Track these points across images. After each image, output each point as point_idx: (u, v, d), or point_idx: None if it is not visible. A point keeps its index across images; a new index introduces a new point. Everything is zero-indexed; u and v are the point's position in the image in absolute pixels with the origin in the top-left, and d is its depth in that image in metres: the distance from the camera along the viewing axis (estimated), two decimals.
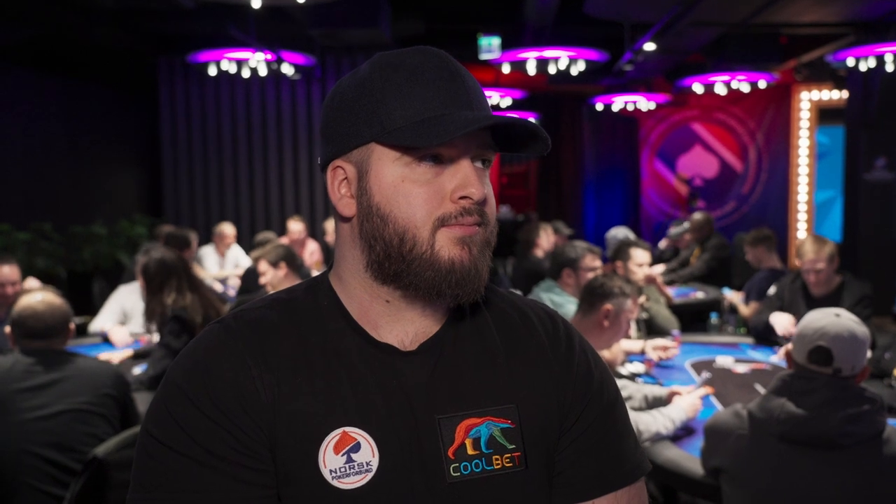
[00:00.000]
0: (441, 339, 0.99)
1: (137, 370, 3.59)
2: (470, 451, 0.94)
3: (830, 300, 3.85)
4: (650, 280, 4.61)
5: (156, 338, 3.58)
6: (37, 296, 2.74)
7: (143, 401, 3.28)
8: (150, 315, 3.52)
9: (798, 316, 3.74)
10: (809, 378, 2.08)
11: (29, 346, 2.66)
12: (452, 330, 1.00)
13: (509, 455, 0.95)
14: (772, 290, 4.36)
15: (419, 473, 0.92)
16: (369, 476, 0.90)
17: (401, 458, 0.92)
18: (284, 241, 6.46)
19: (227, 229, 7.12)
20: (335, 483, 0.90)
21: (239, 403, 0.90)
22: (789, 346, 2.21)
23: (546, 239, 5.95)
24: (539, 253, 5.84)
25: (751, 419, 2.15)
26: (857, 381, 2.10)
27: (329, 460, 0.90)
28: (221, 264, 7.11)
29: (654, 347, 3.67)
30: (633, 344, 3.69)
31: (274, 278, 4.17)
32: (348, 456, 0.90)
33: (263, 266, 4.19)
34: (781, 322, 3.97)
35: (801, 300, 4.05)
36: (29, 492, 2.51)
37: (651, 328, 4.38)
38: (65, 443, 2.55)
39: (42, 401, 2.55)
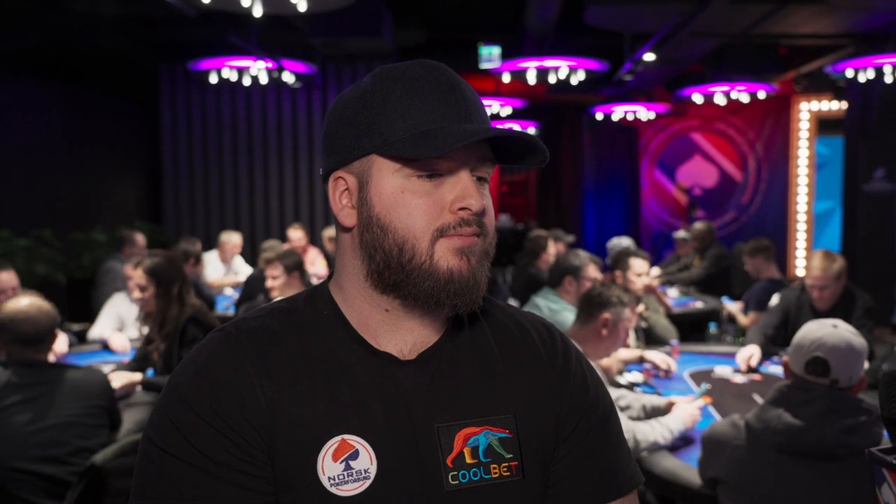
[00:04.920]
0: (440, 349, 1.00)
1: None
2: (468, 460, 0.95)
3: (837, 313, 3.82)
4: (649, 289, 4.61)
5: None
6: (24, 300, 2.68)
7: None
8: (168, 321, 3.29)
9: None
10: (807, 389, 2.08)
11: (17, 355, 2.63)
12: (451, 340, 1.01)
13: (507, 464, 0.96)
14: (774, 299, 4.34)
15: (417, 481, 0.93)
16: (367, 483, 0.91)
17: (399, 465, 0.93)
18: (285, 248, 6.46)
19: (235, 238, 7.11)
20: (333, 490, 0.91)
21: (239, 411, 0.91)
22: (786, 357, 2.22)
23: (552, 251, 5.93)
24: (544, 263, 5.80)
25: (748, 430, 2.15)
26: (855, 392, 2.11)
27: (328, 467, 0.91)
28: (224, 271, 7.11)
29: (660, 360, 3.67)
30: (629, 353, 3.70)
31: (284, 284, 4.18)
32: (347, 463, 0.91)
33: (278, 270, 4.20)
34: (743, 355, 3.88)
35: (808, 314, 4.02)
36: None
37: (650, 337, 4.38)
38: (57, 456, 2.52)
39: (32, 415, 2.52)
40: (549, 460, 1.01)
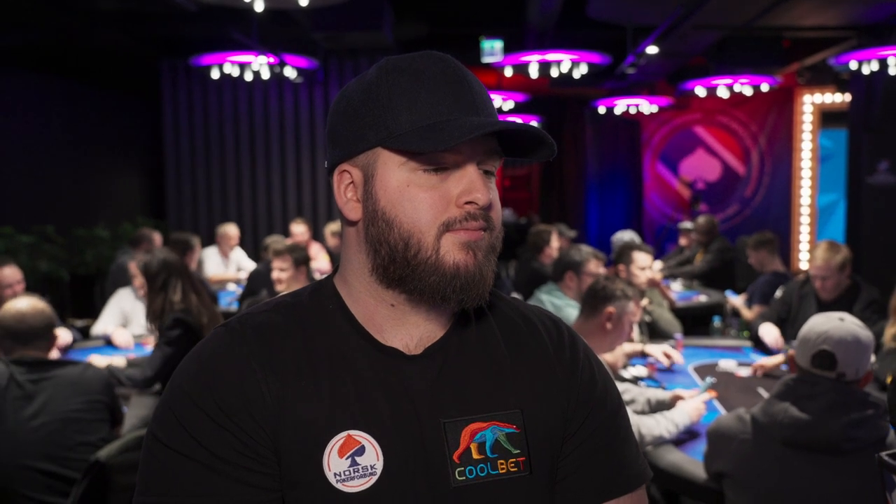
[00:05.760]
0: (446, 344, 0.99)
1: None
2: (475, 456, 0.94)
3: (840, 305, 3.82)
4: (653, 283, 4.60)
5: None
6: (21, 301, 2.73)
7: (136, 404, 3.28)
8: (153, 315, 3.43)
9: (807, 320, 3.71)
10: (813, 382, 2.07)
11: (14, 353, 2.65)
12: (458, 335, 1.00)
13: (514, 460, 0.95)
14: (778, 293, 4.35)
15: (424, 477, 0.92)
16: (374, 479, 0.91)
17: (405, 461, 0.92)
18: (288, 243, 6.46)
19: (232, 230, 7.12)
20: (339, 486, 0.90)
21: (244, 407, 0.90)
22: (792, 351, 2.21)
23: (555, 245, 5.94)
24: (547, 258, 5.82)
25: (754, 423, 2.15)
26: (861, 386, 2.10)
27: (333, 463, 0.90)
28: (224, 266, 7.11)
29: (664, 353, 3.65)
30: (630, 347, 3.68)
31: (291, 277, 4.19)
32: (353, 459, 0.91)
33: (287, 263, 4.21)
34: (772, 336, 3.95)
35: (811, 305, 4.03)
36: (25, 503, 2.50)
37: (653, 331, 4.37)
38: (58, 452, 2.54)
39: (32, 411, 2.54)
40: (557, 456, 1.00)
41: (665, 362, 3.62)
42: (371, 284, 0.97)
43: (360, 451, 0.91)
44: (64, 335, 4.04)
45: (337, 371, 0.95)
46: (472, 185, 0.92)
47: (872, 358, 2.13)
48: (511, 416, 0.97)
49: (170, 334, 3.32)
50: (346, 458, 0.90)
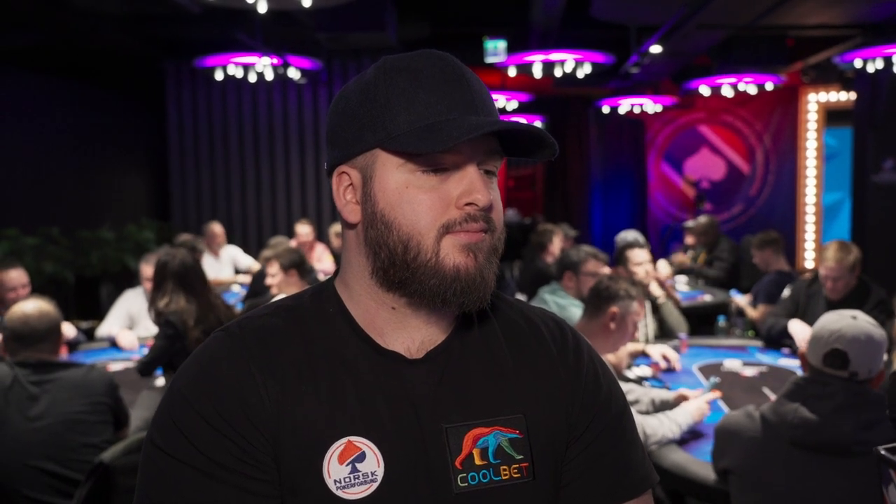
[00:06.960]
0: (448, 348, 0.97)
1: None
2: (478, 461, 0.92)
3: (848, 305, 3.78)
4: (657, 281, 4.58)
5: None
6: (28, 303, 2.75)
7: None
8: (150, 311, 3.57)
9: (816, 320, 3.70)
10: (824, 382, 2.04)
11: (19, 355, 2.66)
12: (460, 338, 0.99)
13: (517, 465, 0.94)
14: (786, 292, 4.33)
15: (425, 483, 0.91)
16: (374, 486, 0.89)
17: (407, 467, 0.91)
18: (293, 244, 6.46)
19: (217, 229, 7.11)
20: (340, 493, 0.88)
21: (243, 412, 0.89)
22: (804, 349, 2.18)
23: (557, 244, 5.95)
24: (549, 257, 5.84)
25: (763, 422, 2.13)
26: (874, 385, 2.07)
27: (333, 470, 0.89)
28: (218, 264, 7.09)
29: (662, 355, 3.64)
30: (632, 346, 3.67)
31: (282, 282, 4.20)
32: (353, 466, 0.89)
33: (274, 268, 4.23)
34: (801, 332, 3.93)
35: (820, 304, 4.00)
36: (28, 503, 2.51)
37: (661, 328, 4.36)
38: (61, 453, 2.55)
39: (35, 412, 2.56)
40: (561, 460, 0.99)
41: (663, 364, 3.61)
42: (371, 287, 0.96)
43: (361, 457, 0.90)
44: (66, 330, 4.05)
45: (337, 375, 0.93)
46: (472, 185, 0.90)
47: (886, 356, 2.10)
48: (514, 420, 0.95)
49: (162, 331, 3.42)
50: (347, 465, 0.89)
